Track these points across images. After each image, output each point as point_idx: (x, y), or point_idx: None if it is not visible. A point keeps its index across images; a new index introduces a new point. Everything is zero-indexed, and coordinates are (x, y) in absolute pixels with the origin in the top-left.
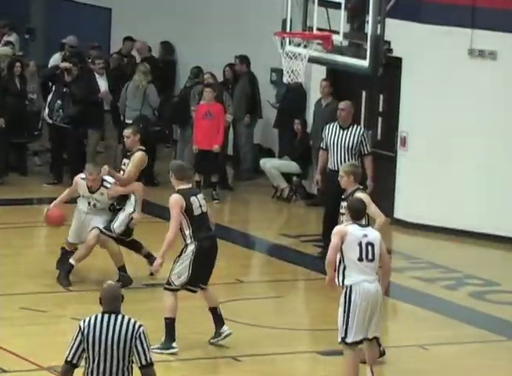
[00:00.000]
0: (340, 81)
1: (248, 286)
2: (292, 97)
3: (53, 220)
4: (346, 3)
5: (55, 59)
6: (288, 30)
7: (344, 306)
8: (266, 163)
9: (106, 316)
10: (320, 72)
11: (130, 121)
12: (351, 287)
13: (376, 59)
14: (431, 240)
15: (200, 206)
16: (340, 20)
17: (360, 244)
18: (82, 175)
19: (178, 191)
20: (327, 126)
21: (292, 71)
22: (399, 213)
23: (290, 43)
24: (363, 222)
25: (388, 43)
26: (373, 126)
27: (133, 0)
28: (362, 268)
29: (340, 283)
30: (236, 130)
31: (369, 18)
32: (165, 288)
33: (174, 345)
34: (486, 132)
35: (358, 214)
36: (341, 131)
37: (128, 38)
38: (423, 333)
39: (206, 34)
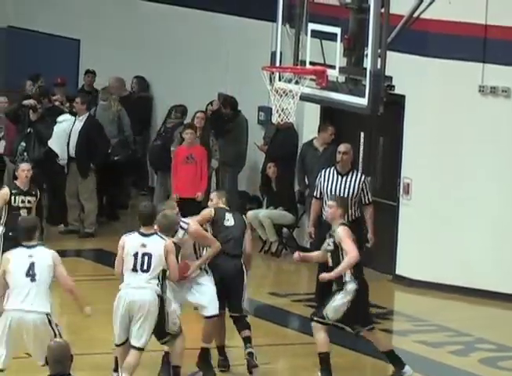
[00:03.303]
0: (335, 121)
1: (233, 351)
2: (282, 139)
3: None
4: (342, 34)
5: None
6: (278, 64)
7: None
8: (260, 212)
9: None
10: (313, 111)
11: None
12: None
13: (376, 96)
14: (438, 300)
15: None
16: (336, 53)
17: (136, 255)
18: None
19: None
20: (322, 172)
21: (282, 110)
22: (401, 269)
23: (280, 79)
24: (148, 230)
25: (390, 79)
26: (372, 172)
27: (104, 30)
28: (135, 278)
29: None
30: (218, 175)
31: (369, 51)
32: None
33: None
34: (500, 180)
35: (145, 220)
36: (339, 178)
37: (89, 71)
38: None
39: (185, 68)
